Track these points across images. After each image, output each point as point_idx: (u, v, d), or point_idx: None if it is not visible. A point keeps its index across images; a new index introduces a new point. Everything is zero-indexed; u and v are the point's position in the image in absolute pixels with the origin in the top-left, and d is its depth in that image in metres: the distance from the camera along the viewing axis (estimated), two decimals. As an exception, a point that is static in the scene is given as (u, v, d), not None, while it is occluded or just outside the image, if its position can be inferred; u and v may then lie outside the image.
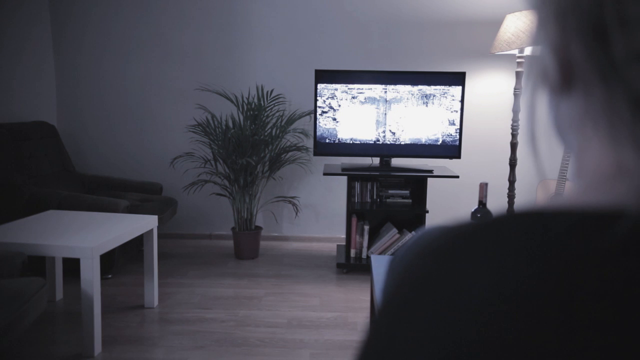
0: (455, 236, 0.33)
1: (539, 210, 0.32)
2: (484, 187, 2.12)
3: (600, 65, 0.32)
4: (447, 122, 3.72)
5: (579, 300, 0.27)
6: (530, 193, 4.32)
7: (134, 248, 3.87)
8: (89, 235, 2.56)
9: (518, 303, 0.28)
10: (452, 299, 0.29)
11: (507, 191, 4.38)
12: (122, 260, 3.72)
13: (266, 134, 3.95)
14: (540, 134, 0.38)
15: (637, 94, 0.31)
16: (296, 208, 4.28)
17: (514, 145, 3.82)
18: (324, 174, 3.63)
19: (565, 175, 3.90)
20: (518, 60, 3.69)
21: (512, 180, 3.89)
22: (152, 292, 3.05)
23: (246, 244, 4.01)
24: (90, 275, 2.39)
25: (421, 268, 0.32)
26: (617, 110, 0.32)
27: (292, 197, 4.25)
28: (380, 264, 2.13)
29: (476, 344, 0.27)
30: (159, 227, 4.46)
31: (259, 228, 4.10)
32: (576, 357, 0.26)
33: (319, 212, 4.45)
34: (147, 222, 2.94)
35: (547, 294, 0.28)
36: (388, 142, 3.76)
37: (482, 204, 2.13)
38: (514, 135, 3.80)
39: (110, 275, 3.53)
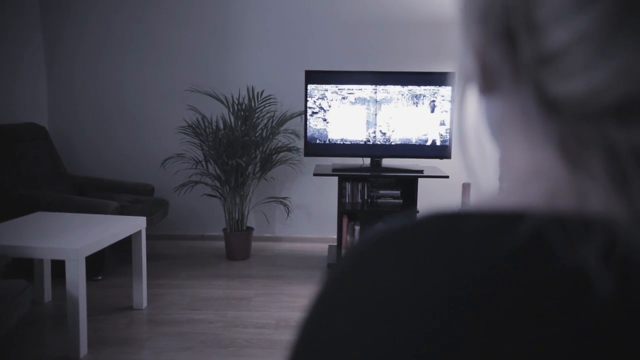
0: (377, 239, 0.33)
1: (454, 212, 0.32)
2: (467, 187, 2.12)
3: (513, 68, 0.33)
4: (438, 122, 3.72)
5: (479, 303, 0.28)
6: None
7: (126, 249, 3.87)
8: (75, 237, 2.56)
9: (422, 308, 0.28)
10: (366, 303, 0.30)
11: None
12: (113, 262, 3.73)
13: (257, 134, 3.96)
14: (469, 135, 0.40)
15: (547, 96, 0.32)
16: (287, 209, 4.28)
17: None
18: (314, 175, 3.63)
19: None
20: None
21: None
22: (141, 293, 3.05)
23: (237, 245, 4.01)
24: (76, 277, 2.39)
25: (342, 270, 0.33)
26: (530, 112, 0.33)
27: (284, 198, 4.25)
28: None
29: (385, 350, 0.28)
30: (150, 229, 4.46)
31: (250, 229, 4.11)
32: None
33: (311, 212, 4.45)
34: (135, 224, 2.94)
35: (451, 298, 0.28)
36: (378, 143, 3.76)
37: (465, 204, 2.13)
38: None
39: (100, 277, 3.52)
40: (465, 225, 0.31)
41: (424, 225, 0.32)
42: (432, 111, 3.69)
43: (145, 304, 3.09)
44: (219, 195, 4.04)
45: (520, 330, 0.27)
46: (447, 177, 3.59)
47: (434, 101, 3.69)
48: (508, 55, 0.33)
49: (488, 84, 0.37)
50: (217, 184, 4.02)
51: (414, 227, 0.33)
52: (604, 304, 0.27)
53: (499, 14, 0.33)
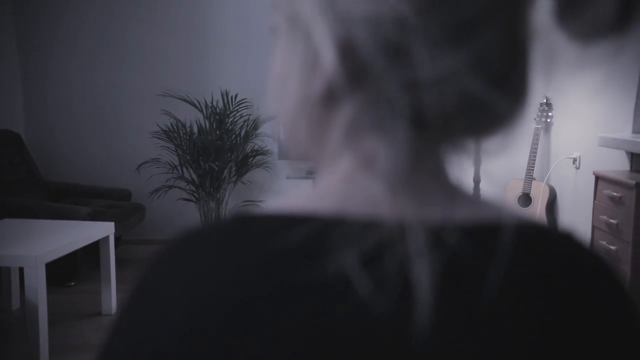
0: (175, 241, 0.34)
1: (250, 214, 0.33)
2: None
3: (347, 75, 0.33)
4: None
5: (252, 303, 0.28)
6: (498, 193, 4.31)
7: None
8: (36, 244, 2.54)
9: (195, 308, 0.29)
10: (158, 302, 0.31)
11: (472, 191, 4.38)
12: (87, 268, 3.71)
13: (232, 138, 3.95)
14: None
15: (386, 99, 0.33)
16: (265, 212, 4.27)
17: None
18: (287, 178, 3.63)
19: (531, 175, 3.90)
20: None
21: (477, 180, 3.88)
22: (110, 299, 3.04)
23: (213, 249, 3.99)
24: (35, 284, 2.38)
25: (143, 271, 0.34)
26: (359, 119, 0.34)
27: (260, 201, 4.24)
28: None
29: (172, 350, 0.29)
30: (127, 234, 4.44)
31: (226, 233, 4.09)
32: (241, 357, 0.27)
33: (289, 215, 4.44)
34: (103, 229, 2.93)
35: (218, 298, 0.29)
36: (352, 145, 3.75)
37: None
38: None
39: (73, 283, 3.51)
40: (253, 228, 0.32)
41: (219, 228, 0.33)
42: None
43: (114, 309, 3.07)
44: (194, 199, 4.03)
45: (278, 332, 0.28)
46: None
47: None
48: (337, 64, 0.33)
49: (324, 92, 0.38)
50: (193, 188, 4.01)
51: (210, 229, 0.33)
52: (361, 304, 0.28)
53: (332, 24, 0.33)
